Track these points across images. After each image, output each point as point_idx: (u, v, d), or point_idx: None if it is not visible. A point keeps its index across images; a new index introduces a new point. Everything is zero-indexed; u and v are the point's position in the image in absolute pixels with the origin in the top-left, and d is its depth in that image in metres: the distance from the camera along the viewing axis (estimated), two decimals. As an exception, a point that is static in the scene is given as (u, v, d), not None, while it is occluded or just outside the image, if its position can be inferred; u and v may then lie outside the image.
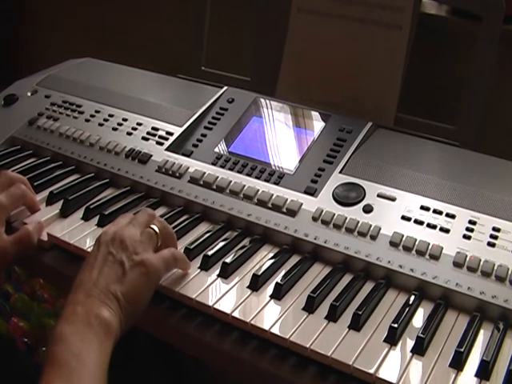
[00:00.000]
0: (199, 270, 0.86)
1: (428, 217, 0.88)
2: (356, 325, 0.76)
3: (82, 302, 0.71)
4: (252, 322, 0.76)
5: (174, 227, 0.92)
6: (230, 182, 0.98)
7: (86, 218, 0.96)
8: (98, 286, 0.73)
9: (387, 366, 0.71)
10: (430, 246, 0.84)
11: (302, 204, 0.93)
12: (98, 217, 0.96)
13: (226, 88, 1.18)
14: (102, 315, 0.70)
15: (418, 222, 0.87)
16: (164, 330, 0.83)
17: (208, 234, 0.92)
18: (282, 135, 1.07)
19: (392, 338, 0.74)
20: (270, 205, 0.94)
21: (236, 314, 0.78)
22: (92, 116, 1.17)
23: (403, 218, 0.88)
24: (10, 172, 1.00)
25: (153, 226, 0.82)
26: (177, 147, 1.07)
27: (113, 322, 0.70)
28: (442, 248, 0.83)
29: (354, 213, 0.90)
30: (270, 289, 0.82)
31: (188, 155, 1.05)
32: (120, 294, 0.73)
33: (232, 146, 1.05)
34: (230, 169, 1.01)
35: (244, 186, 0.97)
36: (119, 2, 1.76)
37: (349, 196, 0.93)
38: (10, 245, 0.88)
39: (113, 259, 0.76)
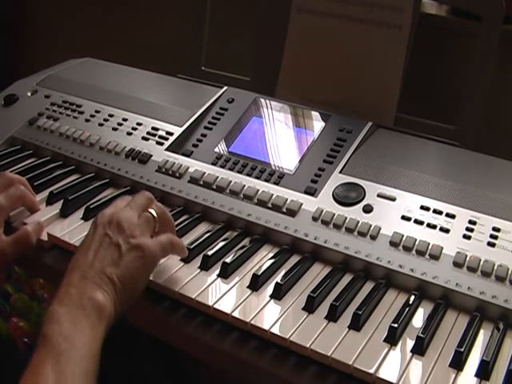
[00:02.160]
0: (199, 270, 0.86)
1: (428, 217, 0.88)
2: (356, 325, 0.76)
3: (76, 284, 0.70)
4: (252, 322, 0.76)
5: (174, 227, 0.92)
6: (230, 181, 0.98)
7: (86, 218, 0.96)
8: (93, 268, 0.72)
9: (387, 365, 0.71)
10: (430, 246, 0.84)
11: (301, 204, 0.93)
12: (98, 217, 0.96)
13: (225, 88, 1.18)
14: (95, 298, 0.69)
15: (418, 222, 0.87)
16: (164, 330, 0.83)
17: (208, 234, 0.92)
18: (282, 135, 1.07)
19: (392, 338, 0.74)
20: (269, 205, 0.94)
21: (236, 314, 0.78)
22: (92, 116, 1.17)
23: (403, 217, 0.88)
24: (9, 173, 0.99)
25: (151, 210, 0.81)
26: (177, 147, 1.07)
27: (106, 305, 0.70)
28: (442, 248, 0.83)
29: (353, 213, 0.90)
30: (269, 289, 0.82)
31: (188, 155, 1.05)
32: (115, 277, 0.72)
33: (232, 146, 1.05)
34: (230, 169, 1.01)
35: (244, 186, 0.97)
36: (119, 2, 1.76)
37: (349, 196, 0.93)
38: (9, 246, 0.88)
39: (109, 241, 0.75)
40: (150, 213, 0.81)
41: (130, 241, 0.75)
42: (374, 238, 0.86)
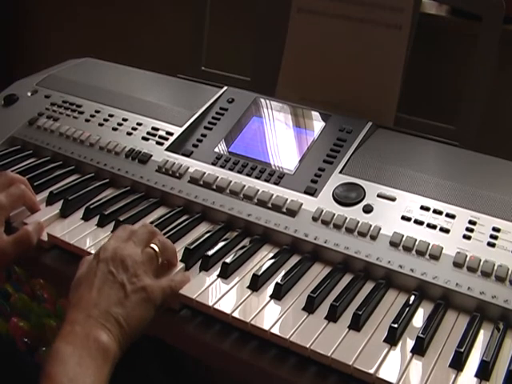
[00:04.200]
0: (199, 271, 0.86)
1: (428, 217, 0.88)
2: (356, 325, 0.76)
3: (81, 323, 0.69)
4: (252, 322, 0.76)
5: (173, 227, 0.92)
6: (230, 182, 0.98)
7: (86, 218, 0.96)
8: (98, 307, 0.71)
9: (387, 366, 0.71)
10: (429, 246, 0.84)
11: (301, 204, 0.93)
12: (97, 217, 0.96)
13: (225, 88, 1.18)
14: (100, 340, 0.68)
15: (418, 222, 0.87)
16: (164, 330, 0.83)
17: (208, 234, 0.91)
18: (282, 135, 1.07)
19: (392, 338, 0.74)
20: (269, 205, 0.94)
21: (236, 314, 0.78)
22: (92, 116, 1.17)
23: (403, 218, 0.88)
24: (10, 172, 0.99)
25: (153, 246, 0.80)
26: (177, 147, 1.07)
27: (111, 346, 0.69)
28: (442, 248, 0.83)
29: (353, 213, 0.90)
30: (269, 289, 0.82)
31: (188, 155, 1.05)
32: (121, 318, 0.71)
33: (232, 145, 1.05)
34: (230, 169, 1.01)
35: (244, 186, 0.97)
36: (119, 2, 1.76)
37: (349, 196, 0.93)
38: (10, 245, 0.88)
39: (113, 279, 0.74)
40: (153, 248, 0.80)
41: (135, 281, 0.75)
42: (373, 238, 0.86)
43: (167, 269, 0.84)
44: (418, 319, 0.78)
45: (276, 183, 0.97)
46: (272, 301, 0.81)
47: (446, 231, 0.86)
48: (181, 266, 0.86)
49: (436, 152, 1.04)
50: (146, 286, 0.75)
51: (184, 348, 0.84)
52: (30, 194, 0.97)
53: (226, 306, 0.79)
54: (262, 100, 1.13)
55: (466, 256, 0.82)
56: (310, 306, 0.79)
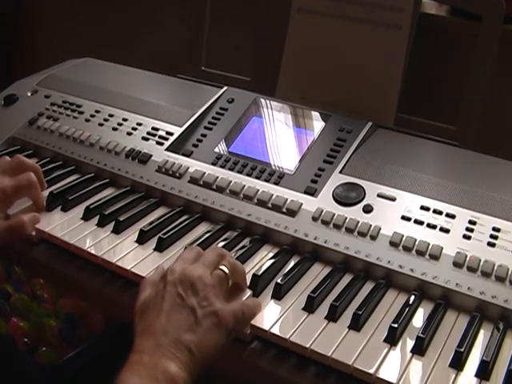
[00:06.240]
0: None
1: (428, 217, 0.88)
2: (356, 325, 0.76)
3: (149, 352, 0.66)
4: (252, 323, 0.76)
5: (173, 227, 0.92)
6: (230, 182, 0.98)
7: (86, 217, 0.96)
8: (167, 335, 0.67)
9: (387, 366, 0.71)
10: (430, 246, 0.84)
11: (301, 204, 0.93)
12: (97, 217, 0.96)
13: (225, 88, 1.18)
14: (169, 370, 0.64)
15: (418, 222, 0.87)
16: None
17: (208, 234, 0.91)
18: (282, 135, 1.07)
19: (392, 338, 0.74)
20: (269, 205, 0.94)
21: (236, 314, 0.78)
22: (92, 116, 1.17)
23: (403, 218, 0.88)
24: (23, 157, 0.98)
25: (222, 267, 0.76)
26: (177, 147, 1.07)
27: (180, 377, 0.65)
28: (442, 248, 0.83)
29: (353, 213, 0.90)
30: (270, 289, 0.82)
31: (188, 155, 1.05)
32: (192, 346, 0.67)
33: (232, 145, 1.05)
34: (230, 169, 1.01)
35: (244, 186, 0.97)
36: (119, 2, 1.76)
37: (349, 196, 0.93)
38: (2, 230, 0.88)
39: (182, 303, 0.70)
40: (222, 270, 0.76)
41: (205, 305, 0.71)
42: (374, 238, 0.86)
43: (236, 292, 0.80)
44: (418, 319, 0.78)
45: (276, 183, 0.97)
46: (272, 301, 0.81)
47: (446, 231, 0.86)
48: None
49: (436, 152, 1.04)
50: (217, 310, 0.71)
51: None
52: (37, 188, 0.96)
53: (226, 305, 0.79)
54: (262, 100, 1.13)
55: (466, 256, 0.82)
56: (310, 306, 0.79)
